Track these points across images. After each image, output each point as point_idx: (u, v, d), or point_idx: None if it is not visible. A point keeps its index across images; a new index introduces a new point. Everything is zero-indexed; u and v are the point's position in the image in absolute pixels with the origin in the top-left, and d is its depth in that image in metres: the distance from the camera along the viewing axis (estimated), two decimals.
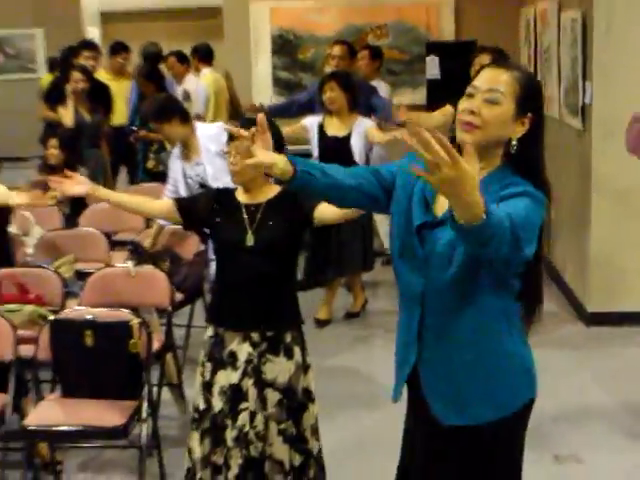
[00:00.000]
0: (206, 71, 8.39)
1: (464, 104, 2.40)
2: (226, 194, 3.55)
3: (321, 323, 6.02)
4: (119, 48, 8.68)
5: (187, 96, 8.06)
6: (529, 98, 2.42)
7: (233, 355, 3.54)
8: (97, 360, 3.85)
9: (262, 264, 3.45)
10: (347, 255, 5.97)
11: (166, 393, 4.65)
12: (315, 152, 5.90)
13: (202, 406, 3.52)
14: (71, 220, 5.76)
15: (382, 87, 7.18)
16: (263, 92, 8.58)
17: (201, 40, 9.09)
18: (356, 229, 5.84)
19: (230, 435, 3.49)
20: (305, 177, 2.37)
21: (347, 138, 5.78)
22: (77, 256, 5.13)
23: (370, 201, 2.56)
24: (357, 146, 5.77)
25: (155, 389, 4.10)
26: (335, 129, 5.82)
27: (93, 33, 13.28)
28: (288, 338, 3.56)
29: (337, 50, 6.84)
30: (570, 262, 6.20)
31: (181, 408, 4.81)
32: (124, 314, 3.93)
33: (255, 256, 3.45)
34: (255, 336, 3.50)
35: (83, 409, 3.84)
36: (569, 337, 5.66)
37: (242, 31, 8.78)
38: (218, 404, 3.53)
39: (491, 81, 2.37)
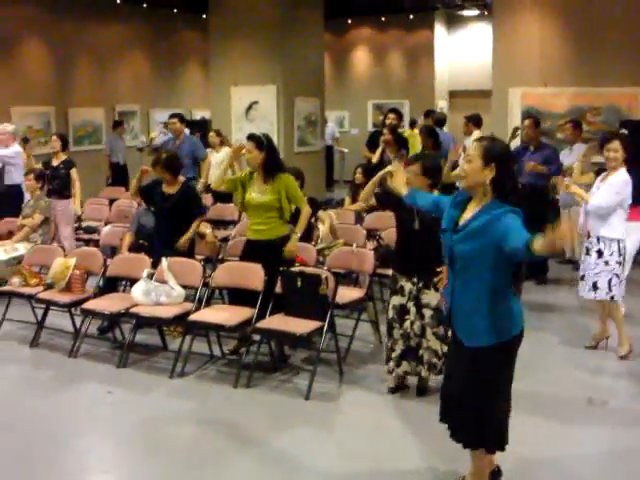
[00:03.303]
0: (476, 132, 12.13)
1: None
2: None
3: None
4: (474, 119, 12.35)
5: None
6: (491, 155, 4.00)
7: (402, 288, 5.88)
8: (301, 297, 6.23)
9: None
10: None
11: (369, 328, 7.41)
12: None
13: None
14: None
15: (581, 147, 10.18)
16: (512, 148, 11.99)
17: (477, 111, 12.85)
18: None
19: (397, 333, 5.86)
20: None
21: None
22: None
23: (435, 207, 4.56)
24: None
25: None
26: None
27: (442, 104, 17.52)
28: (435, 280, 5.55)
29: (527, 123, 10.11)
30: None
31: (376, 337, 7.28)
32: (322, 270, 6.46)
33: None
34: (414, 279, 5.81)
35: (294, 321, 6.15)
36: None
37: (502, 107, 12.29)
38: (390, 314, 5.89)
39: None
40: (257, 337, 6.60)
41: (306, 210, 6.91)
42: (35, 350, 7.31)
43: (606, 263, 6.75)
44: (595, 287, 6.84)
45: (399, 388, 6.07)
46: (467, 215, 4.13)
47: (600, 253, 6.79)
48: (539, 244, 3.67)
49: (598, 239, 6.79)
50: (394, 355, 5.90)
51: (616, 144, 6.73)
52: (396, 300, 5.87)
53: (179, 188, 7.57)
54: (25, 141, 12.07)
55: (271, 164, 6.74)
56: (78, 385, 6.53)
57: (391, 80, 19.60)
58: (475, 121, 12.37)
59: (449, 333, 4.80)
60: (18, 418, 5.81)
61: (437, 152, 10.40)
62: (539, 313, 8.33)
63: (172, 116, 10.85)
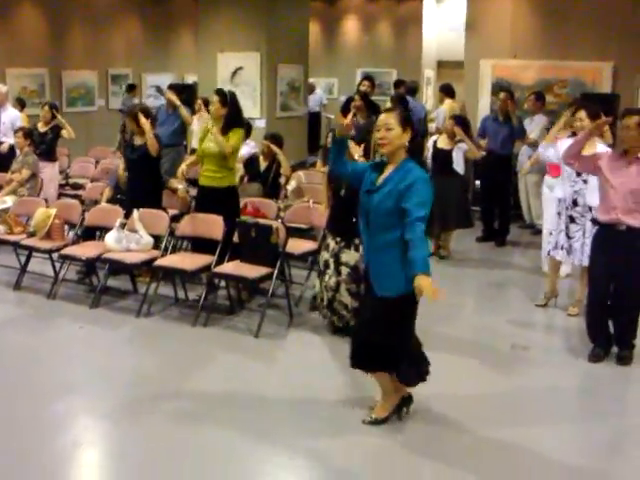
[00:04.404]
0: (448, 101, 12.74)
1: (378, 134, 4.60)
2: None
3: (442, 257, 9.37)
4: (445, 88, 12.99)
5: None
6: (406, 121, 4.67)
7: (328, 245, 6.57)
8: (255, 246, 6.93)
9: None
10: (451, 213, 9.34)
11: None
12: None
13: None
14: None
15: (541, 119, 10.86)
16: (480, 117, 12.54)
17: (450, 82, 13.44)
18: (454, 196, 9.35)
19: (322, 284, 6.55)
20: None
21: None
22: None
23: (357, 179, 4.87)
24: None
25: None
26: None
27: (429, 74, 18.06)
28: (357, 241, 6.16)
29: (502, 96, 10.58)
30: None
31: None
32: (272, 222, 7.17)
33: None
34: (337, 239, 6.45)
35: (247, 267, 6.85)
36: None
37: (474, 77, 12.85)
38: (320, 266, 6.65)
39: (386, 119, 4.65)
40: (222, 283, 7.30)
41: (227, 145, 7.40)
42: (18, 293, 8.00)
43: None
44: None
45: (340, 330, 6.71)
46: (384, 175, 4.74)
47: (594, 221, 6.77)
48: (418, 282, 4.30)
49: (590, 209, 7.00)
50: (319, 302, 6.66)
51: (582, 114, 7.01)
52: (323, 255, 6.57)
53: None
54: (21, 103, 12.63)
55: (230, 119, 7.40)
56: (54, 322, 7.26)
57: (379, 49, 20.13)
58: (447, 91, 13.03)
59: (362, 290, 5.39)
60: (2, 348, 6.57)
61: None
62: (498, 271, 9.10)
63: (169, 87, 11.32)
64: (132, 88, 16.03)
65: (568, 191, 7.21)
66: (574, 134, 7.17)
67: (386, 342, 4.80)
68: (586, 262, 7.05)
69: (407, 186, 4.54)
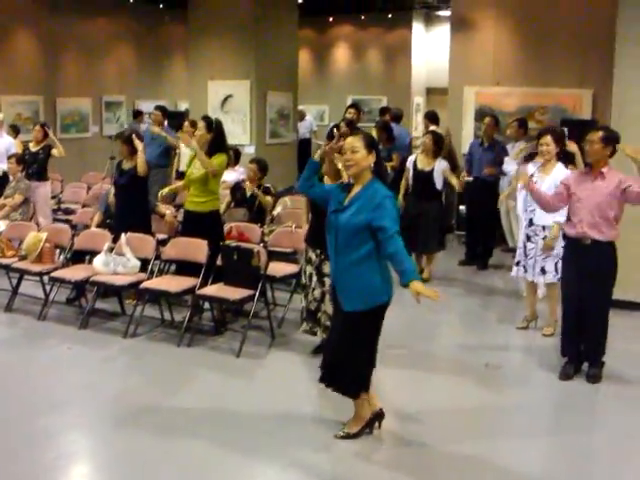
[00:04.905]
0: (432, 128, 13.01)
1: (345, 157, 4.93)
2: None
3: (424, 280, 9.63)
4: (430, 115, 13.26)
5: None
6: (371, 145, 4.96)
7: (310, 258, 6.73)
8: (237, 269, 7.17)
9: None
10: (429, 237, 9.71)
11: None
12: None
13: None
14: None
15: (522, 144, 11.05)
16: (466, 144, 12.82)
17: (440, 108, 13.73)
18: (436, 218, 9.74)
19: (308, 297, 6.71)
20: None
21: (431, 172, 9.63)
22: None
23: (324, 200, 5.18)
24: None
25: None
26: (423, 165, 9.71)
27: (418, 101, 18.45)
28: None
29: (487, 121, 10.94)
30: None
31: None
32: (254, 245, 7.48)
33: None
34: (318, 251, 6.58)
35: (230, 289, 7.07)
36: None
37: (458, 104, 13.16)
38: (303, 280, 6.81)
39: (352, 142, 4.95)
40: (207, 305, 7.58)
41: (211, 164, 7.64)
42: (9, 314, 8.23)
43: (551, 248, 7.41)
44: (543, 271, 7.53)
45: (320, 349, 6.92)
46: (351, 195, 5.03)
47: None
48: (414, 287, 4.66)
49: (544, 227, 7.42)
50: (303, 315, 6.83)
51: (548, 139, 7.39)
52: (306, 269, 6.80)
53: (136, 164, 8.34)
54: (15, 130, 12.88)
55: (215, 145, 7.69)
56: (44, 342, 7.49)
57: (370, 76, 20.49)
58: (431, 117, 13.23)
59: None
60: None
61: (390, 145, 11.34)
62: (480, 294, 9.36)
63: (156, 108, 12.00)
64: (138, 114, 16.32)
65: (524, 211, 7.60)
66: (531, 156, 7.86)
67: (353, 357, 5.04)
68: (539, 279, 7.56)
69: (377, 205, 4.84)
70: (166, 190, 8.27)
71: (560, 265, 7.01)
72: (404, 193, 9.89)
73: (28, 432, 5.48)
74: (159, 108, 11.96)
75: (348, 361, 5.09)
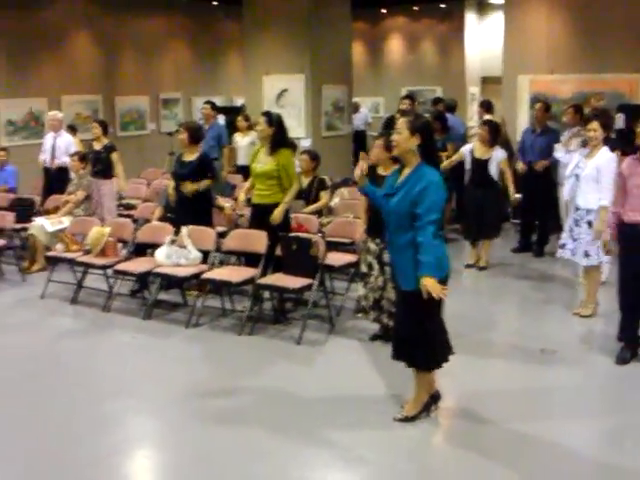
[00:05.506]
0: (487, 117, 13.02)
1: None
2: None
3: (481, 268, 9.65)
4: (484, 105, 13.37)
5: None
6: (415, 127, 5.07)
7: (369, 248, 6.89)
8: (296, 259, 7.33)
9: None
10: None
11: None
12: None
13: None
14: None
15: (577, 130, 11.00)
16: (521, 132, 12.79)
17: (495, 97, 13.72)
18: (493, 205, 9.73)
19: (368, 286, 6.82)
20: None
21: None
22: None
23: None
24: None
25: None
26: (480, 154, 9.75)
27: (473, 90, 18.40)
28: None
29: (538, 106, 10.93)
30: None
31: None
32: (313, 236, 7.57)
33: None
34: (377, 240, 6.77)
35: (289, 279, 7.22)
36: None
37: (512, 93, 13.14)
38: (363, 269, 6.95)
39: (398, 124, 5.13)
40: (267, 295, 7.76)
41: (294, 187, 7.85)
42: (75, 307, 8.49)
43: (601, 233, 7.31)
44: (587, 254, 7.59)
45: (379, 337, 7.05)
46: (401, 178, 5.18)
47: (590, 224, 7.49)
48: (423, 283, 4.85)
49: (588, 211, 7.50)
50: (366, 303, 6.92)
51: (594, 124, 7.46)
52: (366, 257, 6.89)
53: (197, 156, 8.53)
54: (73, 129, 13.19)
55: (276, 139, 7.80)
56: (109, 332, 7.74)
57: (424, 67, 20.49)
58: (485, 106, 13.33)
59: None
60: (61, 357, 7.06)
61: (444, 135, 11.39)
62: (536, 280, 9.38)
63: (205, 102, 12.25)
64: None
65: (572, 196, 7.70)
66: (585, 143, 7.89)
67: (420, 333, 5.17)
68: (586, 262, 7.64)
69: (420, 190, 4.97)
70: (242, 196, 8.37)
71: (600, 249, 7.16)
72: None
73: (95, 416, 5.70)
74: (208, 102, 12.17)
75: (415, 337, 5.22)
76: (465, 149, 10.09)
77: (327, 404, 5.84)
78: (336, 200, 9.65)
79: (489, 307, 8.36)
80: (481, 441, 5.26)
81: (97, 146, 10.86)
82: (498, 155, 9.70)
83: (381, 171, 6.71)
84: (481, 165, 9.71)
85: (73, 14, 15.66)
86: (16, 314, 8.43)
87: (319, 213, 9.12)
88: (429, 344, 5.29)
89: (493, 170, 9.70)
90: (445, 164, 9.58)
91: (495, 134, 9.88)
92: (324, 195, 9.25)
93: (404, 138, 5.10)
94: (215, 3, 18.29)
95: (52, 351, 7.20)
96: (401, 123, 5.14)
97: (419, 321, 5.16)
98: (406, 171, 5.17)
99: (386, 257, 6.57)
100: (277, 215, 7.71)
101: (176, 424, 5.60)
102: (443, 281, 5.05)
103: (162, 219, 9.02)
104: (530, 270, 9.85)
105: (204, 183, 8.42)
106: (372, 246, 6.82)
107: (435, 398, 5.54)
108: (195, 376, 6.47)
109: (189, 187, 8.31)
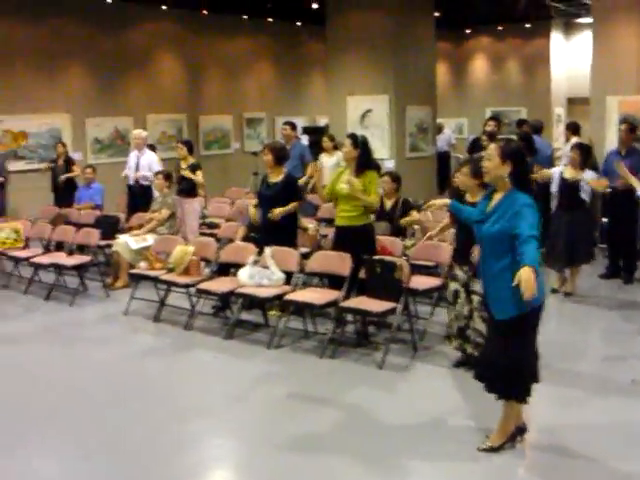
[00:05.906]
0: (574, 139, 12.77)
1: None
2: None
3: (567, 294, 9.39)
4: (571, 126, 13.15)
5: None
6: (507, 153, 4.93)
7: (456, 275, 6.77)
8: (380, 282, 7.22)
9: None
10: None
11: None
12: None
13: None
14: None
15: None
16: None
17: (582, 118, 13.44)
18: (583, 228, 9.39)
19: (452, 314, 6.76)
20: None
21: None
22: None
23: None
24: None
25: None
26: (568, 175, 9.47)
27: (559, 112, 18.09)
28: None
29: (623, 127, 10.64)
30: None
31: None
32: (398, 259, 7.48)
33: None
34: (465, 268, 6.66)
35: (373, 302, 7.12)
36: None
37: (600, 114, 12.84)
38: (449, 297, 6.86)
39: (490, 150, 5.00)
40: (350, 317, 7.66)
41: (372, 198, 7.69)
42: (157, 324, 8.55)
43: None
44: None
45: (463, 363, 6.90)
46: (492, 203, 5.04)
47: None
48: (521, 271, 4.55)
49: None
50: (450, 331, 6.79)
51: None
52: (452, 285, 6.76)
53: (283, 177, 8.51)
54: (152, 148, 13.35)
55: (362, 161, 7.73)
56: (190, 351, 7.76)
57: (508, 87, 20.26)
58: (573, 128, 13.07)
59: None
60: (143, 374, 7.11)
61: (532, 158, 11.15)
62: (624, 308, 9.04)
63: (285, 123, 12.18)
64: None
65: None
66: None
67: (505, 363, 4.99)
68: None
69: (514, 213, 4.81)
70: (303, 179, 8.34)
71: None
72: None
73: (173, 436, 5.68)
74: (288, 123, 12.13)
75: (511, 369, 5.04)
76: (554, 171, 9.85)
77: (409, 431, 5.72)
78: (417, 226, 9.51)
79: (575, 335, 8.12)
80: (572, 477, 5.06)
81: (183, 165, 10.96)
82: (588, 175, 9.40)
83: (469, 198, 6.53)
84: (571, 186, 9.45)
85: (159, 35, 15.95)
86: (99, 329, 8.54)
87: (403, 235, 9.01)
88: (524, 375, 5.13)
89: (584, 191, 9.40)
90: (535, 176, 9.30)
91: (587, 157, 9.62)
92: (414, 213, 9.12)
93: (495, 165, 4.96)
94: (299, 24, 18.41)
95: (133, 368, 7.25)
96: (492, 149, 5.00)
97: (514, 352, 5.00)
98: (498, 196, 5.03)
99: (474, 285, 6.47)
100: (276, 213, 8.13)
101: (253, 447, 5.54)
102: (537, 310, 4.92)
103: (245, 239, 9.03)
104: (618, 297, 9.55)
105: (291, 206, 8.38)
106: (460, 273, 6.69)
107: (521, 430, 5.37)
108: (275, 398, 6.41)
109: (276, 212, 8.27)
